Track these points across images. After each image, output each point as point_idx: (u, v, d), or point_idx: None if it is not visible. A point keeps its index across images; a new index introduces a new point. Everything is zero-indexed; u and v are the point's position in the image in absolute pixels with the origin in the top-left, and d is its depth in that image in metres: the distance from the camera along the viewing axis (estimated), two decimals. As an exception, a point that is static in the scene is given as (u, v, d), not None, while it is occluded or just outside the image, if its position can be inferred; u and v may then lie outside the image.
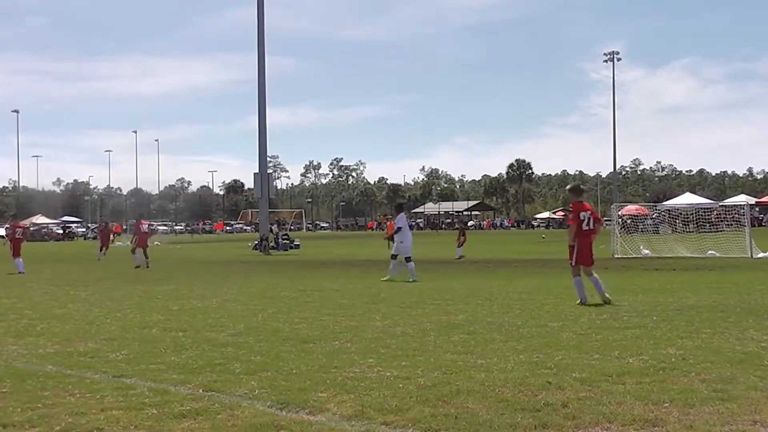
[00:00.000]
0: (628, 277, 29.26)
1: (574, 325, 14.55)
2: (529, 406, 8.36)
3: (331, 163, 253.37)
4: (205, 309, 18.66)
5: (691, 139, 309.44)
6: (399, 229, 28.46)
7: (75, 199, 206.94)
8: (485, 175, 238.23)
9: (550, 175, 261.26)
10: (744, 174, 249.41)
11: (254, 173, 67.53)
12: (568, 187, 20.58)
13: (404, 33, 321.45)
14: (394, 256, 28.99)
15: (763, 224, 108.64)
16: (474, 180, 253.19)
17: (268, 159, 78.73)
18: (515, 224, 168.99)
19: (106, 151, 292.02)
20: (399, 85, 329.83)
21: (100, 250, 50.89)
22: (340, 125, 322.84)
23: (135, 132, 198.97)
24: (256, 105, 66.12)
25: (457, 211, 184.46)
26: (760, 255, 42.36)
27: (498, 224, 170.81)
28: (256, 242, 63.98)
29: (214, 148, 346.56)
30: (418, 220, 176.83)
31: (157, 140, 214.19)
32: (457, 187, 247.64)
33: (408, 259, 28.40)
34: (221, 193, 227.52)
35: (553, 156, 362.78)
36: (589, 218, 19.13)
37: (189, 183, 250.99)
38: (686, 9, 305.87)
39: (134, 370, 10.79)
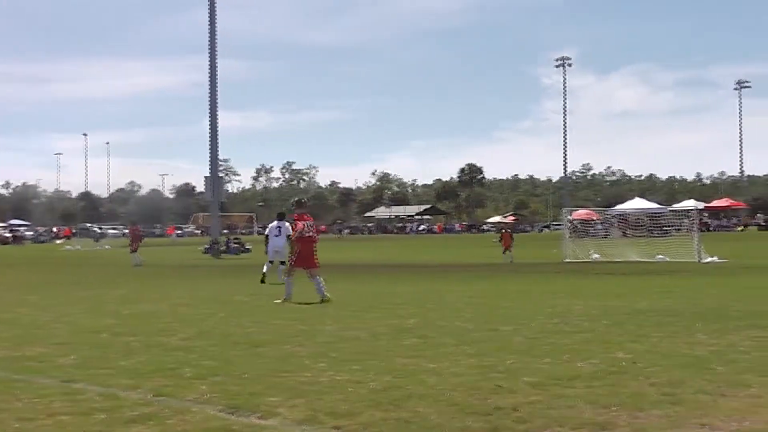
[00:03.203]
0: (579, 281, 29.44)
1: (526, 329, 14.61)
2: (480, 410, 8.39)
3: (283, 167, 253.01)
4: (155, 313, 18.54)
5: (641, 144, 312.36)
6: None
7: (24, 203, 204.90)
8: (437, 179, 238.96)
9: (501, 179, 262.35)
10: (693, 179, 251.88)
11: (205, 177, 67.28)
12: (292, 200, 23.61)
13: (359, 37, 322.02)
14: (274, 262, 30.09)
15: (711, 229, 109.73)
16: (426, 184, 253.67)
17: (220, 162, 78.37)
18: (467, 228, 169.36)
19: (56, 154, 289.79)
20: (352, 90, 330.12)
21: (134, 252, 47.43)
22: (292, 129, 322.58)
23: (85, 135, 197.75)
24: (207, 108, 65.83)
25: (408, 215, 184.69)
26: (708, 259, 42.75)
27: (450, 228, 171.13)
28: (207, 246, 63.68)
29: (165, 151, 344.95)
30: (370, 224, 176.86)
31: (107, 143, 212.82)
32: (409, 191, 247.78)
33: (282, 263, 29.00)
34: (172, 196, 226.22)
35: (505, 160, 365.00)
36: (310, 227, 21.75)
37: (139, 186, 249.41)
38: (637, 16, 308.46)
39: (83, 375, 10.69)
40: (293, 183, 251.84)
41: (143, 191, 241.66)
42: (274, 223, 30.86)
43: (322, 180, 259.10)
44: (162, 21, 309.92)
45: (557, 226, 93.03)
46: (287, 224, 30.51)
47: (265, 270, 29.79)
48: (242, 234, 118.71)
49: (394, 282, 29.85)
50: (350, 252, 55.46)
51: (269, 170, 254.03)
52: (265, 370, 10.76)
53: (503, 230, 51.51)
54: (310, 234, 21.63)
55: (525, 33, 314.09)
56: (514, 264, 43.05)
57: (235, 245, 65.47)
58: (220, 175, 75.51)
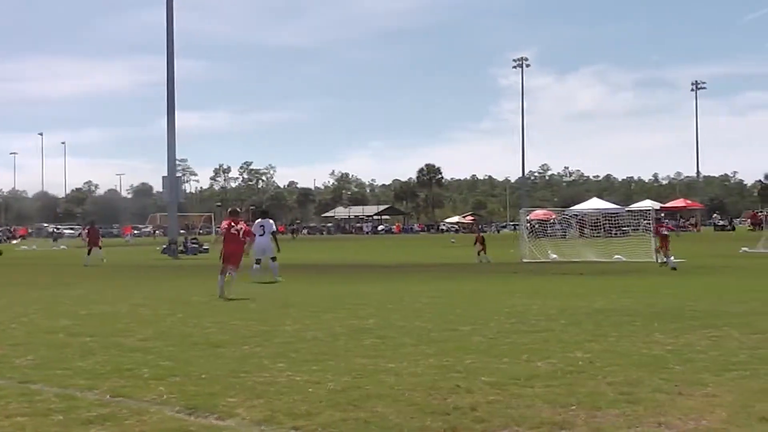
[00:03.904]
0: (537, 281, 29.54)
1: (484, 329, 14.65)
2: (439, 409, 8.40)
3: (241, 167, 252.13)
4: (113, 314, 18.43)
5: (598, 144, 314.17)
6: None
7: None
8: (396, 179, 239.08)
9: (459, 179, 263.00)
10: (650, 179, 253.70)
11: (163, 176, 66.93)
12: (228, 210, 26.42)
13: (318, 38, 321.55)
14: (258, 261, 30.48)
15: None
16: (384, 184, 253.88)
17: (178, 162, 78.10)
18: (425, 228, 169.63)
19: (12, 153, 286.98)
20: (311, 90, 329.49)
21: (89, 254, 47.87)
22: (251, 129, 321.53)
23: (41, 134, 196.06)
24: (165, 108, 65.49)
25: (367, 216, 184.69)
26: (665, 259, 43.03)
27: (408, 228, 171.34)
28: (165, 246, 63.35)
29: (122, 151, 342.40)
30: (328, 224, 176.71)
31: (63, 143, 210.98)
32: (368, 191, 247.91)
33: (273, 259, 30.48)
34: (129, 196, 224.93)
35: (464, 161, 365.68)
36: (240, 230, 23.74)
37: (96, 186, 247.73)
38: (594, 16, 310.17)
39: (40, 375, 10.62)
40: (251, 183, 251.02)
41: (100, 191, 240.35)
42: (258, 221, 31.15)
43: (281, 180, 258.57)
44: (119, 20, 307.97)
45: (515, 226, 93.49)
46: (270, 222, 31.15)
47: (253, 269, 29.71)
48: (200, 234, 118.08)
49: (353, 282, 29.81)
50: (309, 253, 55.41)
51: (227, 170, 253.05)
52: (223, 370, 10.73)
53: (478, 232, 51.46)
54: (235, 232, 23.62)
55: (483, 33, 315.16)
56: (482, 264, 43.20)
57: (193, 245, 65.14)
58: (178, 175, 75.21)
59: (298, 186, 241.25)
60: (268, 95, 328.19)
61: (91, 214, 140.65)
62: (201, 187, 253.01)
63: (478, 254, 46.33)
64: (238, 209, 27.32)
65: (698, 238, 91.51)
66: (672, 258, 38.47)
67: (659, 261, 39.51)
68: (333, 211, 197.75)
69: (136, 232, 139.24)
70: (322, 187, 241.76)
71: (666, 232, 40.94)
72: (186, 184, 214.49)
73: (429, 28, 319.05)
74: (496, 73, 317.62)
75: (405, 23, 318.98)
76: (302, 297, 22.42)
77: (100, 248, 48.65)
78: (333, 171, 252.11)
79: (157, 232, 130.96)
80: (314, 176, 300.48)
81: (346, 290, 25.32)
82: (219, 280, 22.85)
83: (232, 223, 23.94)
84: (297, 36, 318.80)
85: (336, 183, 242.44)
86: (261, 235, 29.99)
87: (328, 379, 10.03)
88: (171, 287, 27.96)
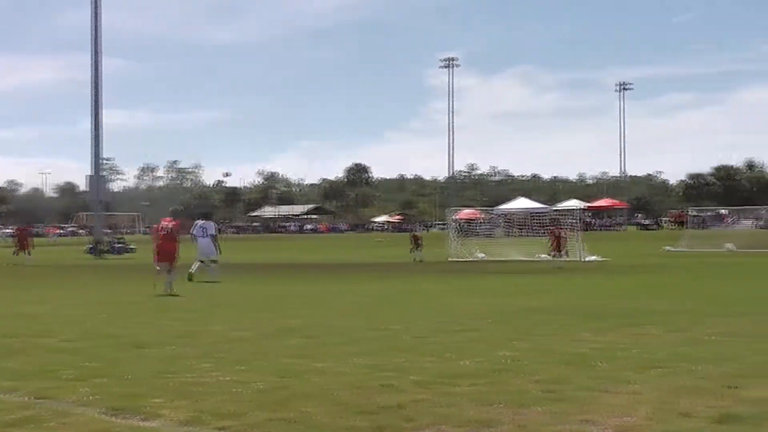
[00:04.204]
0: (464, 280, 29.70)
1: (412, 328, 14.69)
2: (367, 408, 8.40)
3: (168, 166, 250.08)
4: (37, 314, 18.18)
5: (525, 144, 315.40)
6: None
7: None
8: (324, 178, 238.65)
9: (388, 179, 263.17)
10: (576, 179, 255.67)
11: (88, 175, 66.27)
12: (170, 209, 27.31)
13: (246, 36, 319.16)
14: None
15: (594, 228, 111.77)
16: (313, 183, 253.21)
17: (103, 161, 77.18)
18: (353, 228, 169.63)
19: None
20: (238, 89, 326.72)
21: (16, 255, 48.19)
22: (178, 128, 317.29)
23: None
24: (90, 106, 64.82)
25: (295, 215, 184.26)
26: (590, 258, 43.56)
27: (336, 228, 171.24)
28: (91, 246, 62.69)
29: (46, 149, 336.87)
30: (256, 224, 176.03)
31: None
32: (296, 190, 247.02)
33: (213, 261, 30.31)
34: (54, 195, 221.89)
35: (392, 160, 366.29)
36: (170, 229, 24.60)
37: (20, 185, 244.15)
38: (522, 17, 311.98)
39: (-39, 377, 10.44)
40: (178, 182, 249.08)
41: (24, 190, 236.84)
42: (199, 223, 31.08)
43: (208, 179, 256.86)
44: (44, 18, 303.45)
45: (442, 226, 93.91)
46: (212, 223, 31.16)
47: (193, 269, 29.42)
48: (126, 234, 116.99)
49: (280, 282, 29.77)
50: (236, 252, 55.09)
51: (154, 169, 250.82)
52: (149, 371, 10.63)
53: (413, 231, 51.56)
54: (167, 232, 24.63)
55: (412, 33, 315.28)
56: (412, 263, 43.33)
57: (119, 245, 64.57)
58: (104, 174, 74.38)
59: (226, 185, 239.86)
60: (195, 94, 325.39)
61: (13, 214, 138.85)
62: (127, 186, 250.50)
63: (412, 252, 46.56)
64: (180, 208, 28.31)
65: (623, 237, 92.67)
66: (561, 257, 39.12)
67: (553, 259, 40.06)
68: (260, 210, 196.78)
69: (60, 231, 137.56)
70: (250, 186, 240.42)
71: (561, 234, 41.43)
72: (112, 184, 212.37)
73: (357, 27, 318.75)
74: (425, 72, 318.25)
75: (333, 22, 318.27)
76: (229, 297, 22.33)
77: (27, 249, 48.09)
78: (260, 170, 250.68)
79: (81, 231, 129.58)
80: (242, 175, 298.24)
81: (273, 290, 25.26)
82: (167, 277, 23.40)
83: (163, 222, 24.96)
84: (225, 34, 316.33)
85: (264, 182, 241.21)
86: (202, 237, 29.90)
87: (255, 379, 9.98)
88: (96, 287, 27.69)
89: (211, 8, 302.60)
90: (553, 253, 41.14)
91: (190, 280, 27.86)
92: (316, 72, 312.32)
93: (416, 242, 47.65)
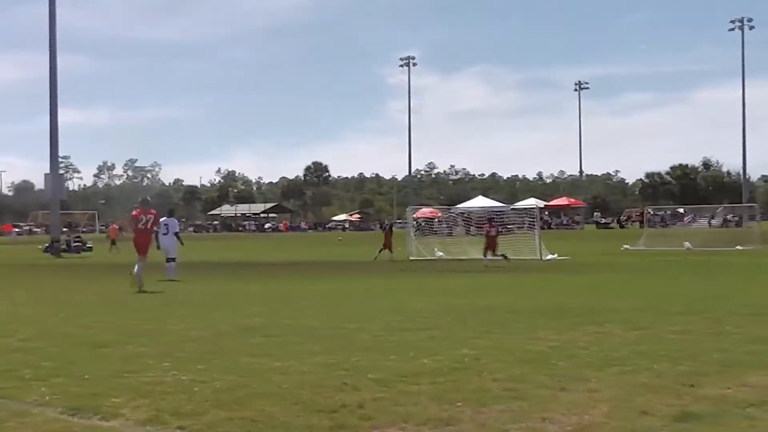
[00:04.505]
0: (424, 278, 29.75)
1: (371, 327, 14.69)
2: (326, 407, 8.39)
3: (126, 165, 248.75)
4: (-8, 314, 18.04)
5: (484, 143, 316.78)
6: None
7: None
8: (283, 177, 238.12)
9: (347, 177, 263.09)
10: (534, 178, 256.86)
11: (45, 174, 65.74)
12: (139, 199, 28.21)
13: (204, 34, 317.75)
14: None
15: (552, 227, 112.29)
16: (272, 182, 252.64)
17: (60, 159, 76.69)
18: (313, 227, 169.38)
19: None
20: (197, 87, 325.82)
21: None
22: (135, 126, 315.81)
23: None
24: (47, 104, 64.31)
25: (254, 214, 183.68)
26: (549, 257, 43.75)
27: (296, 226, 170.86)
28: (47, 245, 62.23)
29: (2, 147, 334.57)
30: (215, 222, 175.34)
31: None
32: (255, 189, 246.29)
33: (171, 260, 30.25)
34: (10, 193, 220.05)
35: (351, 159, 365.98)
36: (148, 221, 25.60)
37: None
38: (480, 16, 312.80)
39: None
40: (136, 181, 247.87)
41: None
42: (162, 220, 30.55)
43: (166, 178, 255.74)
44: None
45: (401, 224, 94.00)
46: (175, 221, 31.05)
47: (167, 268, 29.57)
48: (84, 232, 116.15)
49: (240, 281, 29.67)
50: (195, 251, 54.86)
51: (111, 167, 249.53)
52: (107, 370, 10.57)
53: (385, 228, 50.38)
54: (147, 227, 25.65)
55: (370, 32, 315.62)
56: (372, 262, 43.28)
57: (77, 244, 64.13)
58: (61, 172, 73.84)
59: (184, 184, 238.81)
60: (153, 92, 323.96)
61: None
62: (84, 185, 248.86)
63: (381, 252, 46.00)
64: (149, 198, 28.91)
65: (581, 235, 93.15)
66: (488, 257, 39.25)
67: (489, 258, 40.08)
68: (219, 209, 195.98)
69: (17, 230, 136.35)
70: (208, 185, 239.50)
71: (494, 233, 41.51)
72: (69, 182, 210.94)
73: (316, 25, 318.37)
74: (383, 71, 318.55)
75: (292, 20, 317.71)
76: (188, 295, 22.25)
77: None
78: (219, 169, 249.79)
79: (38, 230, 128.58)
80: (200, 174, 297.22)
81: (232, 288, 25.19)
82: (137, 270, 24.20)
83: (141, 214, 25.63)
84: (183, 32, 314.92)
85: (222, 181, 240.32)
86: (165, 234, 29.76)
87: (214, 378, 9.95)
88: (53, 286, 27.49)
89: (167, 6, 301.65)
90: (486, 251, 41.08)
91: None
92: (275, 70, 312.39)
93: (487, 242, 45.56)
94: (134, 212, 26.29)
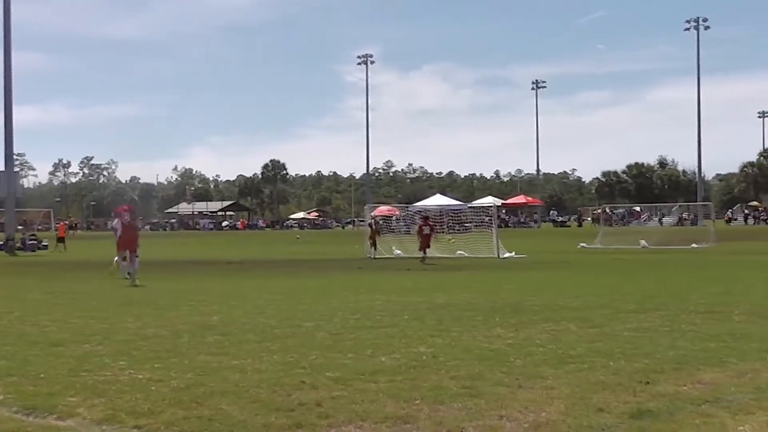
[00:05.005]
0: (381, 277, 29.74)
1: (329, 325, 14.69)
2: (284, 405, 8.38)
3: (82, 162, 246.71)
4: (-54, 312, 17.85)
5: (441, 142, 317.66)
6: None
7: None
8: (240, 175, 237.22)
9: (304, 175, 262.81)
10: (491, 176, 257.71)
11: (0, 171, 65.10)
12: (126, 199, 31.78)
13: (160, 32, 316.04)
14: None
15: (509, 225, 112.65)
16: (229, 180, 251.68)
17: (15, 157, 75.94)
18: (270, 225, 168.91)
19: None
20: (154, 85, 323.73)
21: None
22: (91, 124, 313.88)
23: None
24: (1, 101, 63.65)
25: (211, 212, 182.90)
26: (506, 255, 43.84)
27: (253, 224, 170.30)
28: (2, 243, 61.61)
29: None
30: (172, 221, 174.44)
31: None
32: (212, 187, 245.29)
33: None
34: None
35: (309, 157, 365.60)
36: (134, 219, 28.02)
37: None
38: (437, 15, 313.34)
39: None
40: (92, 178, 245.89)
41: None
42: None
43: (122, 175, 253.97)
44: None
45: (360, 222, 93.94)
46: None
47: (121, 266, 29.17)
48: (39, 230, 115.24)
49: (196, 279, 29.53)
50: (152, 249, 54.52)
51: (67, 165, 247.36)
52: (63, 369, 10.49)
53: (371, 225, 49.25)
54: (129, 223, 27.81)
55: (328, 29, 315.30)
56: (317, 260, 43.21)
57: (32, 242, 63.57)
58: (16, 169, 73.15)
59: (141, 181, 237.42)
60: (109, 89, 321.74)
61: None
62: (40, 182, 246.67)
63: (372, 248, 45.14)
64: (135, 197, 30.88)
65: (538, 233, 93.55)
66: (425, 254, 39.38)
67: (421, 257, 40.09)
68: (176, 207, 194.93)
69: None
70: (165, 183, 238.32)
71: (427, 232, 41.53)
72: (24, 179, 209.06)
73: (274, 23, 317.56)
74: (341, 69, 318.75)
75: (249, 18, 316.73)
76: (144, 294, 22.12)
77: None
78: (176, 166, 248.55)
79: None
80: (157, 172, 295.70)
81: (189, 287, 25.06)
82: (119, 264, 26.72)
83: (127, 211, 28.45)
84: (140, 29, 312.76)
85: (179, 179, 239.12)
86: None
87: (171, 376, 9.91)
88: (8, 285, 27.21)
89: (124, 3, 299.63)
90: (420, 249, 40.98)
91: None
92: (234, 68, 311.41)
93: (421, 240, 44.27)
94: (123, 209, 28.93)
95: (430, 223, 44.06)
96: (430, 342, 12.54)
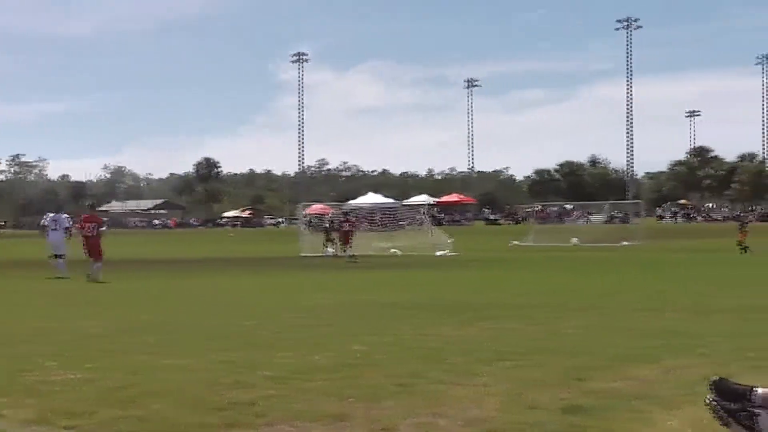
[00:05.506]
0: (317, 275, 29.75)
1: (269, 324, 14.66)
2: (218, 405, 8.33)
3: (10, 159, 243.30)
4: None
5: (376, 140, 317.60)
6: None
7: None
8: (172, 173, 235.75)
9: (238, 174, 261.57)
10: (425, 175, 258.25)
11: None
12: (86, 204, 32.63)
13: (94, 29, 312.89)
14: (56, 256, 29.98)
15: (443, 223, 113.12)
16: (161, 178, 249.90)
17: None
18: (203, 223, 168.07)
19: None
20: (86, 82, 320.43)
21: None
22: (21, 121, 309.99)
23: None
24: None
25: (143, 210, 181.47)
26: (441, 253, 44.06)
27: (185, 223, 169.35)
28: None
29: None
30: (103, 219, 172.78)
31: None
32: (144, 185, 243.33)
33: (59, 257, 29.90)
34: None
35: (242, 155, 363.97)
36: (94, 227, 28.70)
37: None
38: (373, 13, 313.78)
39: None
40: (21, 176, 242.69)
41: None
42: (51, 215, 30.52)
43: (53, 173, 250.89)
44: None
45: (294, 221, 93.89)
46: (64, 216, 30.48)
47: (59, 264, 29.31)
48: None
49: (132, 278, 29.35)
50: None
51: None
52: (-8, 370, 10.35)
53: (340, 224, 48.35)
54: (89, 233, 28.36)
55: (262, 27, 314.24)
56: (251, 258, 43.08)
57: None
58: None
59: (71, 179, 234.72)
60: (39, 86, 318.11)
61: None
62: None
63: (341, 248, 44.29)
64: (94, 203, 34.43)
65: (471, 231, 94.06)
66: (349, 253, 39.57)
67: (345, 255, 40.22)
68: (107, 205, 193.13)
69: None
70: (96, 181, 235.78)
71: (348, 228, 41.69)
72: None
73: (208, 20, 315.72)
74: (276, 67, 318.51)
75: (184, 15, 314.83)
76: (80, 293, 21.91)
77: None
78: (107, 164, 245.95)
79: None
80: (88, 170, 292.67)
81: (124, 286, 24.90)
82: (94, 268, 27.58)
83: (87, 221, 28.90)
84: (73, 27, 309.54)
85: (110, 177, 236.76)
86: (54, 230, 29.26)
87: (104, 376, 9.79)
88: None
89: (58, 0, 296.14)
90: (342, 246, 41.02)
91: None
92: (165, 66, 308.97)
93: (341, 237, 43.97)
94: (84, 217, 29.74)
95: (351, 219, 44.17)
96: (367, 340, 12.54)
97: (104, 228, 30.02)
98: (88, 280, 26.65)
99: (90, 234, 28.53)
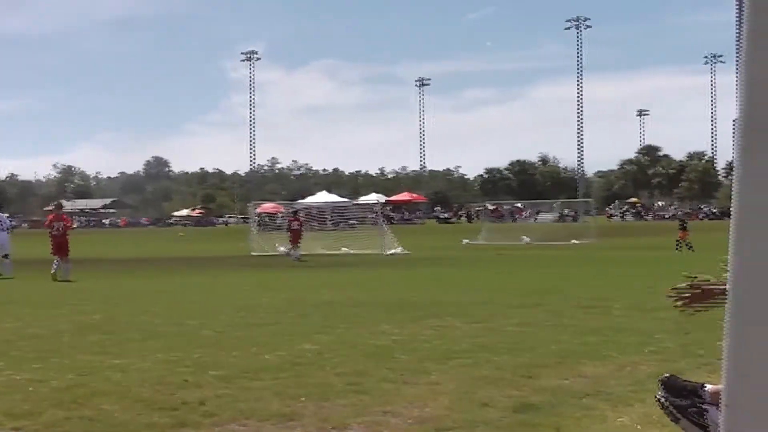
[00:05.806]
0: (266, 274, 29.65)
1: (213, 323, 14.58)
2: (167, 405, 8.28)
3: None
4: None
5: (327, 139, 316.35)
6: None
7: None
8: (122, 172, 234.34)
9: (188, 172, 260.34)
10: (376, 173, 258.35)
11: None
12: (52, 204, 33.16)
13: (41, 26, 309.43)
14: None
15: (394, 222, 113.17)
16: (111, 177, 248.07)
17: None
18: (153, 222, 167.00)
19: None
20: (33, 80, 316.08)
21: None
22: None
23: None
24: None
25: (92, 209, 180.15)
26: (391, 252, 44.10)
27: (135, 222, 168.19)
28: None
29: None
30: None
31: None
32: (93, 184, 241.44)
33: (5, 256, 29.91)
34: None
35: (193, 154, 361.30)
36: (60, 226, 28.95)
37: None
38: (323, 12, 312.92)
39: None
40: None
41: None
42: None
43: (0, 172, 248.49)
44: None
45: (244, 220, 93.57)
46: (3, 215, 30.19)
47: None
48: None
49: (77, 278, 29.05)
50: (31, 247, 53.47)
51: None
52: (-64, 372, 10.21)
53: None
54: (57, 232, 28.66)
55: (213, 25, 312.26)
56: (201, 258, 42.88)
57: None
58: None
59: (19, 178, 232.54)
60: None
61: None
62: None
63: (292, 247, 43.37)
64: (60, 203, 34.01)
65: (422, 230, 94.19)
66: (298, 252, 39.55)
67: (291, 254, 40.16)
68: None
69: None
70: (45, 180, 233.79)
71: (296, 227, 41.68)
72: None
73: (159, 17, 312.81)
74: (226, 65, 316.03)
75: (136, 12, 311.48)
76: (23, 293, 21.70)
77: None
78: (55, 163, 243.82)
79: None
80: (36, 169, 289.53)
81: (69, 286, 24.67)
82: (53, 266, 27.80)
83: (53, 221, 29.08)
84: (23, 24, 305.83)
85: (59, 176, 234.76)
86: (1, 230, 29.01)
87: (51, 377, 9.71)
88: None
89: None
90: (290, 246, 40.93)
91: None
92: (115, 63, 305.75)
93: (289, 236, 42.28)
94: (49, 217, 30.00)
95: (300, 217, 44.06)
96: (315, 339, 12.52)
97: (74, 226, 29.98)
98: (53, 279, 26.94)
99: (57, 233, 28.63)
